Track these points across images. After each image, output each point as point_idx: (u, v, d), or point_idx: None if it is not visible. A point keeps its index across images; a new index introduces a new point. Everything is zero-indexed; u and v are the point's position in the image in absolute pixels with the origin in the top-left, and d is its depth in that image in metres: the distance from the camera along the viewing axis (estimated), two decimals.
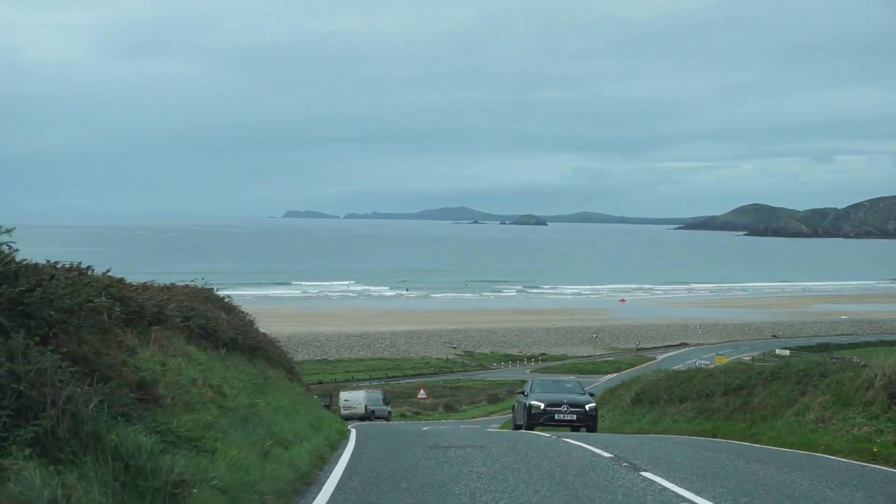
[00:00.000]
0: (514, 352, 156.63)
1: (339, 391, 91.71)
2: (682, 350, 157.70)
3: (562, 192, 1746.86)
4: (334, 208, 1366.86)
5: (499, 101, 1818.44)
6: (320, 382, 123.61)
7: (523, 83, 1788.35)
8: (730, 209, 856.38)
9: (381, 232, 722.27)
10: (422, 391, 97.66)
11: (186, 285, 30.93)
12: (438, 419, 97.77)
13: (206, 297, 32.32)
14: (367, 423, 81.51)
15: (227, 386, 22.86)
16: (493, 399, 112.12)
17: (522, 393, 45.93)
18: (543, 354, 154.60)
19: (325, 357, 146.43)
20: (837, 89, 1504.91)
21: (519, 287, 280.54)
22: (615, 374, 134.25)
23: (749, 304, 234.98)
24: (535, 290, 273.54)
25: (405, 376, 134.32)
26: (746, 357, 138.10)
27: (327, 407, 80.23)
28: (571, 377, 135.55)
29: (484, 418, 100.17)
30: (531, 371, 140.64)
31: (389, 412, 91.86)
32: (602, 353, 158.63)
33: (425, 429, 65.19)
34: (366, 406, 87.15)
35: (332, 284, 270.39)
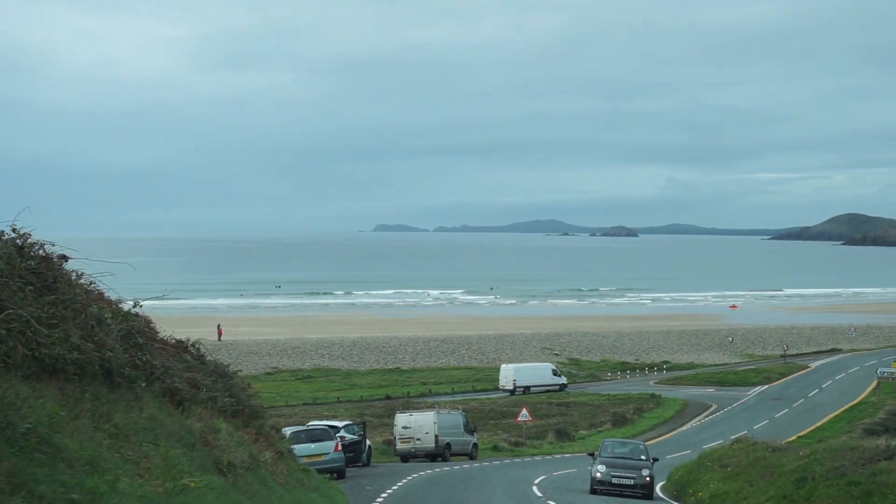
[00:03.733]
0: (630, 359, 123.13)
1: (396, 414, 58.62)
2: (836, 356, 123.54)
3: (652, 204, 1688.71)
4: (423, 222, 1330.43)
5: (591, 111, 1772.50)
6: (388, 397, 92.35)
7: (616, 92, 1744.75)
8: (823, 219, 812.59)
9: (471, 243, 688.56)
10: (524, 411, 64.65)
11: None
12: (548, 452, 64.58)
13: None
14: (436, 469, 48.06)
15: None
16: (620, 420, 78.72)
17: None
18: (666, 362, 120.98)
19: (397, 366, 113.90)
20: None
21: (617, 293, 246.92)
22: (766, 386, 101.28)
23: (880, 310, 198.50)
24: (634, 297, 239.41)
25: (497, 389, 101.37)
26: None
27: (354, 445, 47.40)
28: (710, 390, 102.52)
29: None
30: (655, 382, 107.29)
31: (475, 445, 58.65)
32: (737, 360, 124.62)
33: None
34: (437, 436, 54.25)
35: (415, 292, 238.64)
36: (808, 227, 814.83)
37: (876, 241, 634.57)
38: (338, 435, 43.36)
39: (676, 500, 35.34)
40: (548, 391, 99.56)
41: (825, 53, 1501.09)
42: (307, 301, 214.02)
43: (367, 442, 49.92)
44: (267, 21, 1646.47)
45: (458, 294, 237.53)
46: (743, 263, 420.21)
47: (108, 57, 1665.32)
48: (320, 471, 36.98)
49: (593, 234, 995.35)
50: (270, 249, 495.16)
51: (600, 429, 75.37)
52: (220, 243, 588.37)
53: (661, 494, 37.29)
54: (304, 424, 48.10)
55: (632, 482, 36.97)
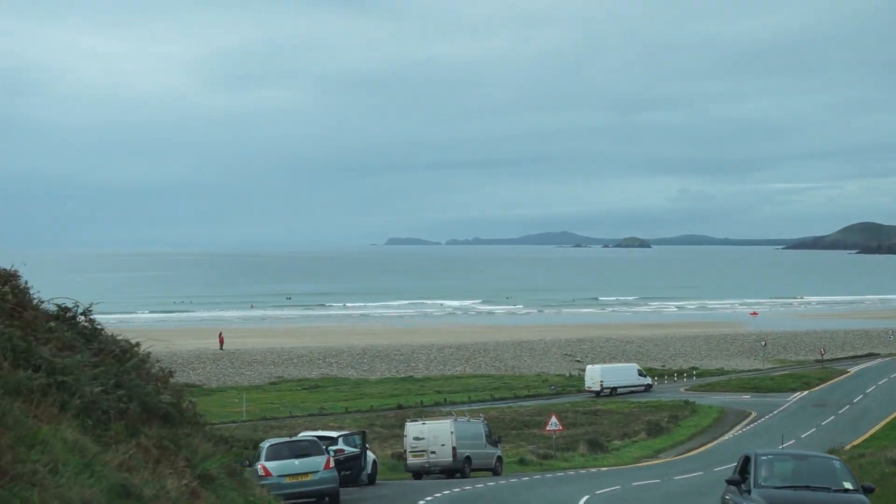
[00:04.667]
0: (657, 365, 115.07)
1: (407, 423, 50.04)
2: (875, 361, 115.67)
3: (664, 215, 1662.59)
4: (436, 235, 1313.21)
5: (602, 124, 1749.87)
6: (400, 407, 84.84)
7: (627, 105, 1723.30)
8: (837, 229, 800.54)
9: (484, 256, 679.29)
10: (553, 419, 56.33)
11: None
12: (582, 465, 56.54)
13: None
14: (455, 489, 39.71)
15: None
16: (655, 429, 70.61)
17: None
18: (695, 368, 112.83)
19: (409, 374, 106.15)
20: None
21: (639, 302, 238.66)
22: (805, 392, 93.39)
23: None
24: (657, 305, 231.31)
25: (517, 398, 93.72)
26: None
27: (352, 460, 38.99)
28: (746, 396, 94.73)
29: (651, 462, 59.32)
30: (686, 389, 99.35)
31: (499, 458, 50.49)
32: (769, 366, 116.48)
33: None
34: (454, 448, 46.19)
35: (431, 303, 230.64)
36: (822, 237, 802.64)
37: (892, 250, 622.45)
38: (332, 448, 35.34)
39: None
40: (632, 392, 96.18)
41: (837, 66, 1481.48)
42: (318, 312, 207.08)
43: (372, 456, 41.86)
44: (275, 38, 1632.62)
45: (475, 304, 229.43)
46: (759, 272, 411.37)
47: (116, 76, 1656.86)
48: (308, 494, 29.08)
49: (606, 246, 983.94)
50: (282, 264, 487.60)
51: (634, 438, 67.39)
52: (232, 258, 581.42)
53: None
54: (291, 435, 39.82)
55: None
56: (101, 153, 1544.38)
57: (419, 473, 46.86)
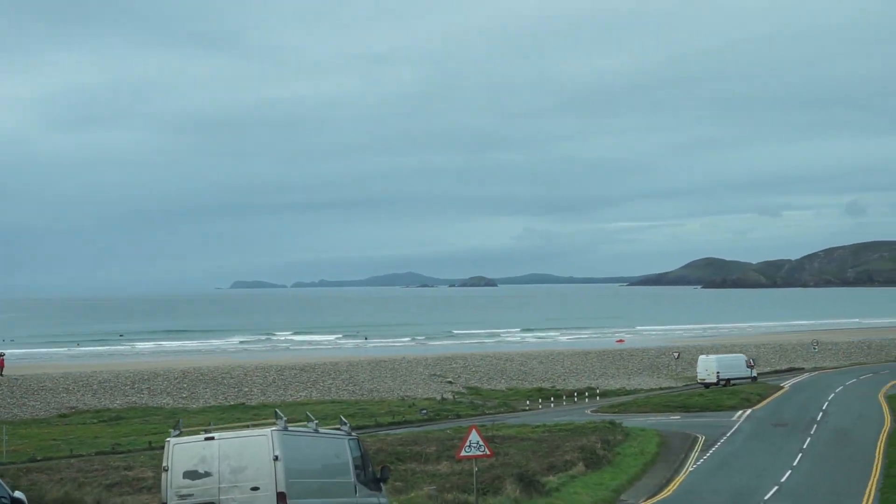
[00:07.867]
0: (546, 385, 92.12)
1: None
2: (803, 376, 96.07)
3: (511, 255, 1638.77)
4: (281, 278, 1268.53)
5: (449, 164, 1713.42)
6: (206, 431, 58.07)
7: (474, 145, 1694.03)
8: (680, 265, 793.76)
9: (331, 296, 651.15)
10: (473, 434, 30.90)
11: None
12: None
13: None
14: None
15: None
16: (592, 459, 46.63)
17: None
18: (590, 388, 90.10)
19: (241, 401, 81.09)
20: (787, 144, 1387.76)
21: (493, 334, 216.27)
22: (749, 410, 72.60)
23: (783, 340, 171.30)
24: (512, 336, 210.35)
25: (379, 426, 70.25)
26: None
27: None
28: (676, 417, 72.27)
29: None
30: (592, 411, 76.72)
31: None
32: (684, 383, 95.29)
33: None
34: (282, 496, 19.95)
35: (277, 337, 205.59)
36: (666, 273, 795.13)
37: (736, 284, 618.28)
38: None
39: None
40: (740, 383, 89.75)
41: (678, 106, 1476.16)
42: (150, 347, 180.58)
43: None
44: (117, 80, 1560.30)
45: (327, 338, 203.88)
46: (609, 306, 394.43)
47: None
48: None
49: (452, 285, 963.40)
50: (120, 306, 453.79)
51: (570, 472, 43.21)
52: (67, 302, 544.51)
53: None
54: None
55: None
56: None
57: None
